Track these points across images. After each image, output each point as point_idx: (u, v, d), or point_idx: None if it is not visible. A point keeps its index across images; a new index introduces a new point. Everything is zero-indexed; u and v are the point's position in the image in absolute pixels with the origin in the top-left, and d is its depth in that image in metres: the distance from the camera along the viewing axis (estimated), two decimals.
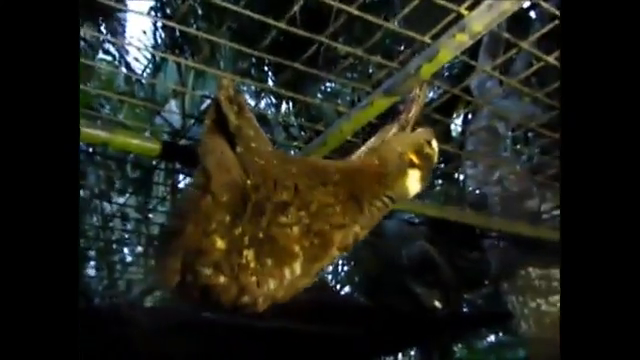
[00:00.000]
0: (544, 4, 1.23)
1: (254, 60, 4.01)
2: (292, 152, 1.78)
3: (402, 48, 3.57)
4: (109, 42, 4.50)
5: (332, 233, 0.93)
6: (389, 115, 1.29)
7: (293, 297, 0.93)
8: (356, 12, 1.18)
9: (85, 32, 3.68)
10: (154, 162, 2.43)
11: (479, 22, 1.07)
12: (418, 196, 1.09)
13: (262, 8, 1.47)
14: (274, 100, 4.52)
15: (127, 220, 3.94)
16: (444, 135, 3.30)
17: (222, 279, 0.85)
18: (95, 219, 3.81)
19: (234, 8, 1.18)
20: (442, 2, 1.13)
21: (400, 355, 5.46)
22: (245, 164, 0.90)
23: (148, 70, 4.75)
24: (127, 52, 4.66)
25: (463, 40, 1.10)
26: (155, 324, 2.33)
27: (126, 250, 4.09)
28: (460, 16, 1.11)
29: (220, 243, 0.86)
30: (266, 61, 3.96)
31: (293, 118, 4.11)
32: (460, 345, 5.64)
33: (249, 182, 0.89)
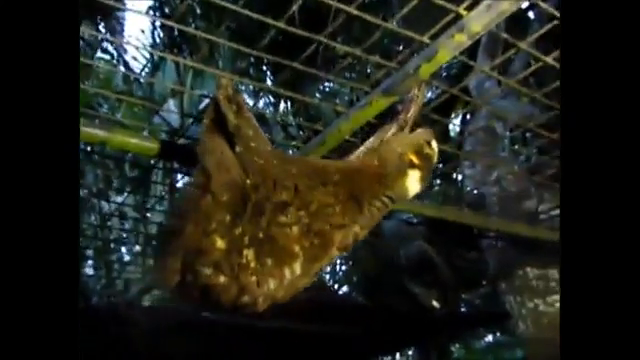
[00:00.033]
0: (543, 4, 1.23)
1: (253, 59, 4.01)
2: (290, 151, 1.78)
3: (401, 48, 3.57)
4: (107, 41, 4.49)
5: (332, 233, 0.93)
6: (388, 115, 1.29)
7: (292, 297, 0.93)
8: (355, 12, 1.18)
9: (84, 31, 3.66)
10: (152, 161, 2.43)
11: (478, 22, 1.08)
12: (416, 196, 1.09)
13: (261, 7, 1.47)
14: (272, 99, 4.51)
15: (125, 219, 3.93)
16: (442, 135, 3.30)
17: (222, 279, 0.85)
18: (93, 218, 3.81)
19: (233, 7, 1.18)
20: (441, 2, 1.14)
21: (398, 355, 5.46)
22: (245, 164, 0.90)
23: (146, 69, 4.74)
24: (125, 51, 4.65)
25: (462, 40, 1.10)
26: (153, 323, 2.33)
27: (124, 249, 4.09)
28: (459, 16, 1.11)
29: (220, 243, 0.86)
30: (265, 60, 3.96)
31: (291, 117, 4.12)
32: (458, 345, 5.65)
33: (249, 182, 0.89)
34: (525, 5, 2.34)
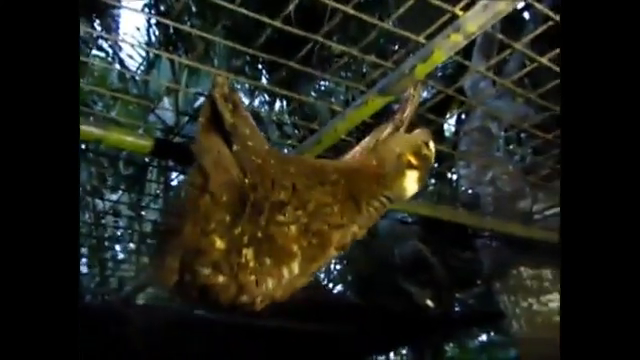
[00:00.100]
0: (538, 5, 1.23)
1: (248, 58, 4.00)
2: (286, 150, 1.77)
3: (397, 48, 3.57)
4: (103, 38, 4.47)
5: (330, 233, 0.94)
6: (383, 115, 1.29)
7: (289, 296, 0.93)
8: (351, 11, 1.18)
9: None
10: (147, 159, 2.42)
11: (474, 23, 1.08)
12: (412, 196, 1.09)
13: (257, 6, 1.47)
14: (268, 98, 4.51)
15: (120, 217, 3.92)
16: (437, 135, 3.30)
17: (221, 278, 0.85)
18: (87, 216, 3.79)
19: (229, 6, 1.18)
20: (437, 2, 1.14)
21: (392, 354, 5.47)
22: (242, 163, 0.89)
23: (142, 67, 4.72)
24: (121, 49, 4.63)
25: (457, 40, 1.10)
26: (147, 321, 2.33)
27: (118, 247, 4.07)
28: (455, 16, 1.11)
29: (219, 242, 0.86)
30: (260, 59, 3.95)
31: (287, 116, 4.11)
32: (452, 344, 5.67)
33: (247, 181, 0.88)
34: (520, 6, 2.35)
